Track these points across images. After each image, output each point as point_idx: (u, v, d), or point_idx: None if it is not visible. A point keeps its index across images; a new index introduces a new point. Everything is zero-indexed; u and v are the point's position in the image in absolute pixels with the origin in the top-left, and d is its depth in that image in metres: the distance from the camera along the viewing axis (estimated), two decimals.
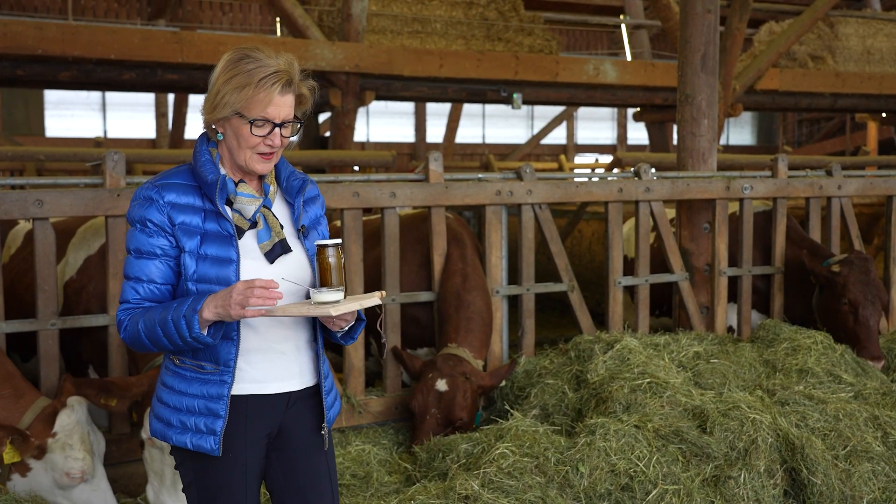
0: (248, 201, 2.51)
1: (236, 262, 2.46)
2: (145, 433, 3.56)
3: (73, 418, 3.67)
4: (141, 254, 2.45)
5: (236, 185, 2.52)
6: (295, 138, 2.60)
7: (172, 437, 2.50)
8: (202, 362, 2.48)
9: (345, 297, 2.44)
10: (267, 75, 2.41)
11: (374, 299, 2.46)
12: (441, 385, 4.53)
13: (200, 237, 2.46)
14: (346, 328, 2.56)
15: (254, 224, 2.53)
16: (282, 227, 2.55)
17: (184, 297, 2.43)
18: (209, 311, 2.33)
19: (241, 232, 2.50)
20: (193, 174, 2.52)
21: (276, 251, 2.51)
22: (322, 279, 2.43)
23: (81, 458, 3.62)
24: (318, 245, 2.44)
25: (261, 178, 2.60)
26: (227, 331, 2.44)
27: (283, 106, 2.45)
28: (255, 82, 2.41)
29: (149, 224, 2.44)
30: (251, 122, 2.44)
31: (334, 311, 2.33)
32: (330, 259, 2.42)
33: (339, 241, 2.45)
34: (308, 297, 2.51)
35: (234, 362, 2.47)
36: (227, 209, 2.49)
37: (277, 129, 2.46)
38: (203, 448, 2.46)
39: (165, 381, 2.56)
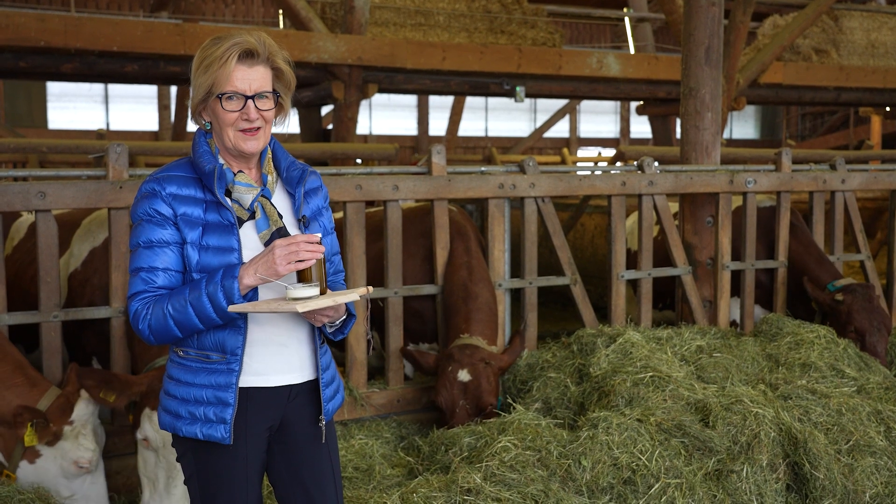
0: (245, 190, 2.51)
1: (238, 251, 2.46)
2: (141, 433, 3.54)
3: (89, 409, 3.72)
4: (152, 243, 2.44)
5: (235, 175, 2.52)
6: (286, 126, 2.60)
7: (182, 428, 2.50)
8: (208, 352, 2.48)
9: (322, 293, 2.40)
10: (227, 48, 2.43)
11: (351, 295, 2.42)
12: (463, 375, 4.51)
13: (202, 228, 2.46)
14: (338, 323, 2.56)
15: (253, 214, 2.53)
16: (280, 216, 2.55)
17: (197, 279, 2.43)
18: (250, 276, 2.36)
19: (240, 222, 2.51)
20: (193, 166, 2.52)
21: (274, 240, 2.51)
22: (298, 274, 2.42)
23: (92, 449, 3.66)
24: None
25: (259, 168, 2.60)
26: (235, 320, 2.44)
27: (251, 78, 2.45)
28: (217, 58, 2.42)
29: (156, 215, 2.45)
30: (220, 97, 2.44)
31: (300, 308, 2.29)
32: None
33: (317, 235, 2.41)
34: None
35: (241, 351, 2.47)
36: (227, 198, 2.49)
37: (251, 102, 2.46)
38: (214, 437, 2.46)
39: (172, 374, 2.56)
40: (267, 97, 2.49)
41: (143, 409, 3.54)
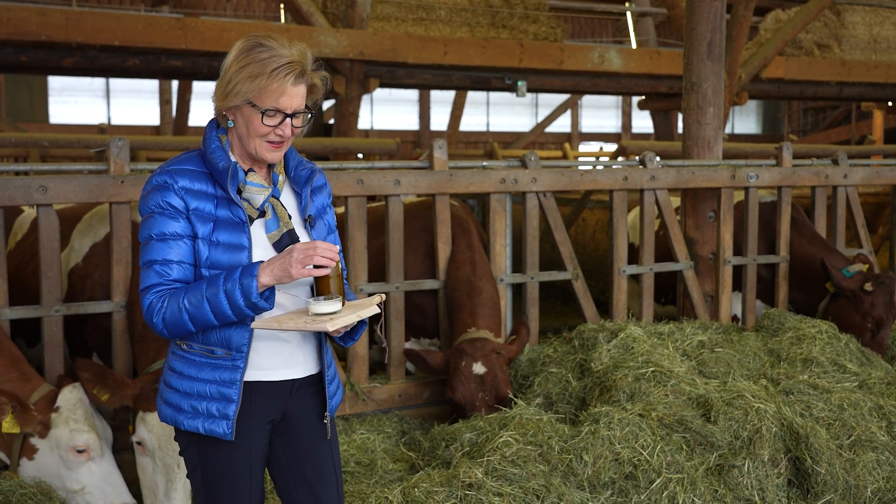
0: (256, 191, 2.50)
1: (248, 249, 2.45)
2: (136, 436, 3.49)
3: (74, 394, 3.66)
4: (166, 236, 2.43)
5: (246, 173, 2.52)
6: (305, 127, 2.59)
7: (183, 422, 2.50)
8: (213, 347, 2.48)
9: (343, 305, 2.40)
10: (280, 66, 2.40)
11: (372, 308, 2.43)
12: (478, 368, 4.51)
13: (213, 224, 2.45)
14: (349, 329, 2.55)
15: (262, 213, 2.52)
16: (290, 217, 2.55)
17: (214, 275, 2.41)
18: (267, 276, 2.35)
19: (249, 220, 2.50)
20: (204, 161, 2.51)
21: (284, 241, 2.51)
22: (319, 287, 2.40)
23: (86, 430, 3.59)
24: None
25: (270, 167, 2.59)
26: (244, 318, 2.44)
27: (295, 96, 2.44)
28: (269, 72, 2.39)
29: (168, 207, 2.43)
30: (263, 112, 2.43)
31: (331, 327, 2.30)
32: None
33: (337, 246, 2.41)
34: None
35: (247, 348, 2.47)
36: (238, 196, 2.49)
37: (288, 120, 2.46)
38: (216, 433, 2.46)
39: (174, 366, 2.55)
40: (302, 115, 2.49)
41: (136, 412, 3.50)
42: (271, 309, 2.41)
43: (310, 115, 2.52)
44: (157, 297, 2.41)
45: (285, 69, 2.40)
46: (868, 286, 5.59)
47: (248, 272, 2.35)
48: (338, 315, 2.34)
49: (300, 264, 2.32)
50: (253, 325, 2.38)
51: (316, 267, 2.34)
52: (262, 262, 2.39)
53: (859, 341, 5.46)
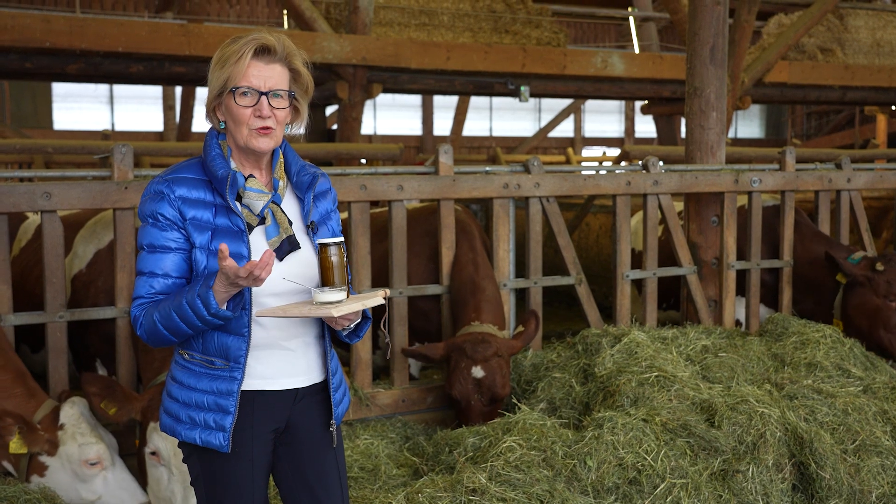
0: (256, 196, 2.49)
1: (247, 258, 2.43)
2: (150, 447, 3.48)
3: (76, 409, 3.69)
4: (155, 248, 2.43)
5: (246, 179, 2.51)
6: (301, 130, 2.58)
7: (181, 432, 2.49)
8: (212, 357, 2.47)
9: (347, 297, 2.41)
10: (243, 43, 2.43)
11: (377, 299, 2.43)
12: (477, 372, 4.53)
13: (211, 232, 2.44)
14: (352, 326, 2.54)
15: (262, 220, 2.51)
16: (290, 223, 2.53)
17: (182, 287, 2.42)
18: (219, 284, 2.32)
19: (249, 228, 2.49)
20: (203, 168, 2.50)
21: (283, 248, 2.49)
22: (324, 278, 2.41)
23: (94, 442, 3.62)
24: (319, 243, 2.42)
25: (271, 171, 2.58)
26: (238, 327, 2.43)
27: (267, 76, 2.44)
28: (234, 52, 2.43)
29: (161, 218, 2.42)
30: (234, 91, 2.43)
31: (336, 312, 2.30)
32: (332, 258, 2.39)
33: (340, 238, 2.42)
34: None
35: (244, 359, 2.45)
36: (237, 204, 2.47)
37: (265, 98, 2.44)
38: (212, 444, 2.45)
39: (175, 376, 2.54)
40: (281, 96, 2.47)
41: (147, 423, 3.50)
42: (233, 317, 2.37)
43: (292, 97, 2.50)
44: (140, 310, 2.43)
45: (249, 44, 2.43)
46: (879, 266, 5.57)
47: (205, 284, 2.33)
48: (342, 304, 2.35)
49: (235, 276, 2.24)
50: (257, 313, 2.36)
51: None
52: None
53: (884, 327, 5.44)
